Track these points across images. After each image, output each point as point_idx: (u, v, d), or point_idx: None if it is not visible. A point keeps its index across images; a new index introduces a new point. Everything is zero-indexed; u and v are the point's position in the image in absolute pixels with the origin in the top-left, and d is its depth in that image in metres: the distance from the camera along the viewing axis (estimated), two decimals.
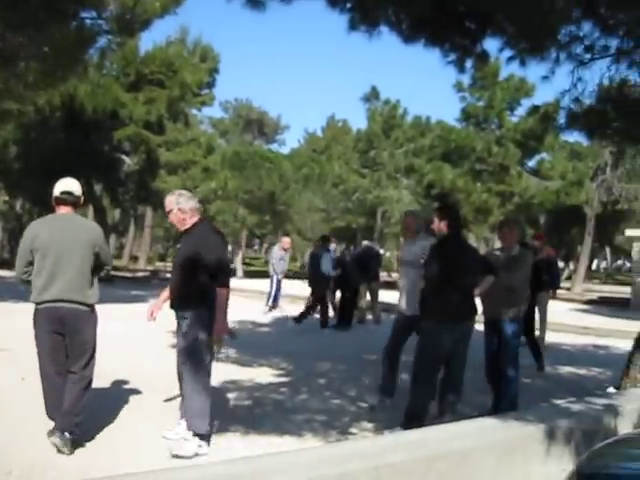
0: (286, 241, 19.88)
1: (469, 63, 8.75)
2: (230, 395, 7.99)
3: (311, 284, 15.74)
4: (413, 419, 6.36)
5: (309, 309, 15.72)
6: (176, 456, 5.51)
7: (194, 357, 5.82)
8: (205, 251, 5.83)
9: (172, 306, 6.08)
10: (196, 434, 5.72)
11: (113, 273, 28.63)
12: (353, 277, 16.05)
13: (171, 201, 6.08)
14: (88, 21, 15.00)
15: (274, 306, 19.00)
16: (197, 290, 5.80)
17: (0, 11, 12.20)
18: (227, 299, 5.83)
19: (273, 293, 19.05)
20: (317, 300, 15.66)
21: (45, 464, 5.18)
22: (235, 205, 38.56)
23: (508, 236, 7.97)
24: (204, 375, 5.87)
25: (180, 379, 6.01)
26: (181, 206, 6.02)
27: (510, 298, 7.52)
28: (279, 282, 19.05)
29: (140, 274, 33.54)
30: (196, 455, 5.59)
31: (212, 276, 5.79)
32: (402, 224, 7.47)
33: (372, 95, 39.14)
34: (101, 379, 7.86)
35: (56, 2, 13.14)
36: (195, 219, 6.07)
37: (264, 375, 9.43)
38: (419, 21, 7.93)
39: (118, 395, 7.59)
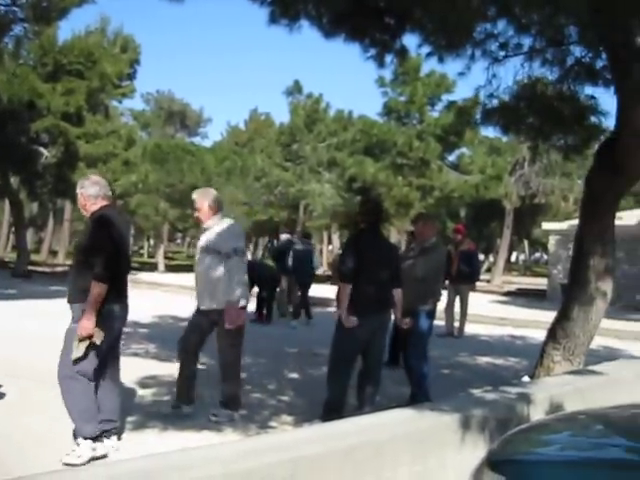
0: None
1: (389, 58, 8.84)
2: (149, 391, 7.94)
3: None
4: (332, 412, 6.43)
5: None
6: (67, 464, 5.19)
7: (69, 357, 5.40)
8: (89, 242, 5.55)
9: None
10: (85, 437, 5.42)
11: (31, 268, 28.07)
12: (268, 271, 16.28)
13: (78, 186, 5.89)
14: (2, 8, 14.63)
15: None
16: (80, 283, 5.44)
17: None
18: (98, 295, 5.31)
19: None
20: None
21: None
22: (156, 198, 38.08)
23: (422, 230, 8.13)
24: (81, 375, 5.41)
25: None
26: (82, 191, 5.77)
27: (421, 289, 7.61)
28: None
29: (59, 269, 32.81)
30: (92, 459, 5.36)
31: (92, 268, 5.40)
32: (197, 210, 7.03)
33: (295, 89, 39.22)
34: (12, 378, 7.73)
35: None
36: (96, 207, 5.72)
37: None
38: (339, 16, 7.97)
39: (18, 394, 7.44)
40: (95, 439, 5.47)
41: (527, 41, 8.74)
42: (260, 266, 16.77)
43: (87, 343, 5.30)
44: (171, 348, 10.33)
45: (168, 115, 65.88)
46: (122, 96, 37.96)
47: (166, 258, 44.45)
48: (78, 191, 5.82)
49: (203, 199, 6.98)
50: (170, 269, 38.64)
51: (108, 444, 5.62)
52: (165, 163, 38.26)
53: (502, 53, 8.97)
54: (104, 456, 5.47)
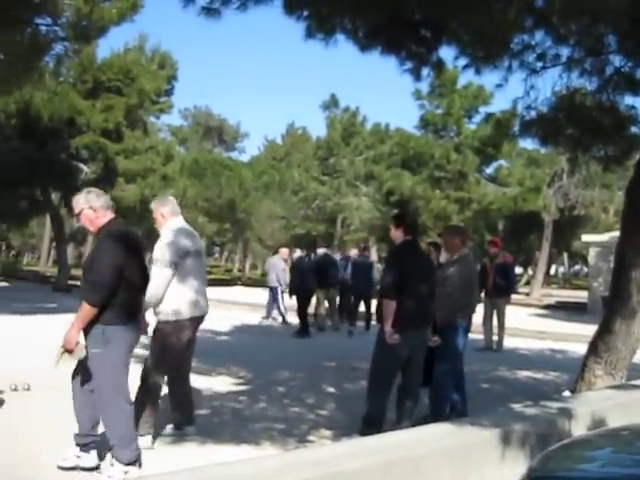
0: (284, 252, 19.61)
1: (425, 71, 8.80)
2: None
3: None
4: (371, 426, 6.37)
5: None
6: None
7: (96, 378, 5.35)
8: (93, 260, 5.39)
9: None
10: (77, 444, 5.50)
11: (71, 282, 28.33)
12: (309, 284, 16.26)
13: (79, 201, 5.56)
14: (43, 27, 14.86)
15: (272, 316, 18.89)
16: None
17: None
18: (85, 315, 5.15)
19: (280, 304, 18.55)
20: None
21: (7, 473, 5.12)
22: (194, 213, 38.34)
23: (450, 242, 8.01)
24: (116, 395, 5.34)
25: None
26: (92, 204, 5.48)
27: (451, 303, 7.42)
28: (282, 293, 18.48)
29: None
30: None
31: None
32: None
33: (331, 103, 39.28)
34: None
35: (10, 8, 13.00)
36: (106, 219, 5.51)
37: (223, 384, 9.41)
38: (375, 29, 7.97)
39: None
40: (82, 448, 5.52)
41: (565, 51, 8.67)
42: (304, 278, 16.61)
43: (66, 357, 5.23)
44: (209, 362, 10.41)
45: (206, 130, 66.45)
46: (160, 112, 38.36)
47: None
48: (84, 206, 5.49)
49: (156, 208, 6.61)
50: (208, 283, 38.70)
51: (86, 461, 5.52)
52: (203, 178, 38.55)
53: (540, 64, 8.90)
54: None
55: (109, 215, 5.53)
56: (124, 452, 5.27)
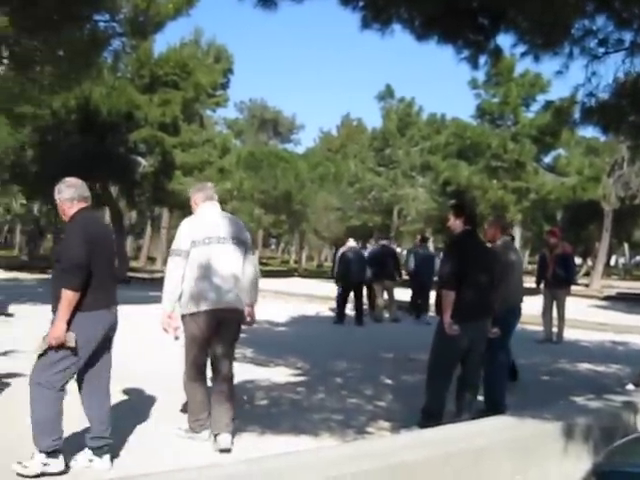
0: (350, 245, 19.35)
1: (483, 59, 8.70)
2: (247, 394, 7.99)
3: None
4: (430, 418, 6.33)
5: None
6: (18, 474, 4.97)
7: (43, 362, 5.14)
8: (61, 247, 5.33)
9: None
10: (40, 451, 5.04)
11: (131, 274, 28.81)
12: (354, 275, 16.20)
13: (54, 192, 5.47)
14: (102, 24, 15.07)
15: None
16: (55, 290, 5.13)
17: (15, 15, 12.27)
18: (68, 303, 4.98)
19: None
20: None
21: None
22: (251, 205, 38.60)
23: (489, 231, 7.97)
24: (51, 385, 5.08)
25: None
26: (59, 196, 5.39)
27: (495, 292, 7.25)
28: None
29: (157, 275, 33.60)
30: (42, 474, 5.00)
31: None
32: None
33: (387, 93, 39.13)
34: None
35: (70, 6, 13.20)
36: (74, 210, 5.35)
37: (281, 374, 9.44)
38: (431, 18, 7.90)
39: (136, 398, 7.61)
40: (50, 454, 5.02)
41: (628, 36, 8.47)
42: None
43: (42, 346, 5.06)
44: (267, 353, 10.47)
45: (261, 123, 66.87)
46: (216, 105, 38.74)
47: (260, 264, 44.82)
48: (56, 197, 5.44)
49: (191, 196, 6.49)
50: (265, 275, 38.97)
51: (98, 465, 5.26)
52: (259, 170, 38.76)
53: (602, 50, 8.71)
54: (62, 472, 5.09)
55: (80, 205, 5.37)
56: (44, 440, 5.02)
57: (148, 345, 10.41)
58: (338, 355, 11.15)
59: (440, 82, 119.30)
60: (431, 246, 41.26)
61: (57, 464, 5.05)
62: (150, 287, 24.18)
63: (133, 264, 37.51)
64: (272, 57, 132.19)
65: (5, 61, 15.02)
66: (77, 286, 5.00)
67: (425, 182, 38.07)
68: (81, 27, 14.42)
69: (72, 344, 5.02)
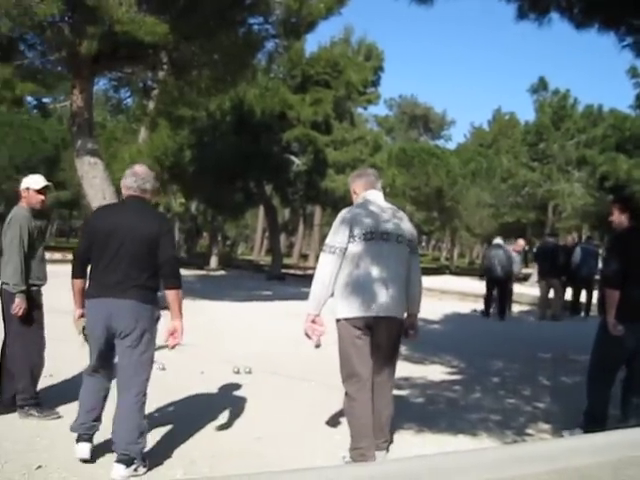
0: (521, 243, 19.57)
1: None
2: (403, 392, 7.95)
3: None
4: (593, 422, 6.08)
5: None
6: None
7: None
8: None
9: None
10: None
11: (284, 271, 29.43)
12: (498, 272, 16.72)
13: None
14: (255, 27, 15.48)
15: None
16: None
17: (174, 23, 12.78)
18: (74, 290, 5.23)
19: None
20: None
21: (227, 453, 5.36)
22: (403, 202, 38.50)
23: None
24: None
25: None
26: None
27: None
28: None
29: (310, 272, 34.18)
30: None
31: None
32: None
33: (540, 86, 37.98)
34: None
35: (225, 11, 13.64)
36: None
37: (436, 372, 9.36)
38: (592, 5, 7.60)
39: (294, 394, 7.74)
40: (79, 438, 5.11)
41: None
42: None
43: (81, 335, 5.23)
44: (421, 350, 10.39)
45: (411, 119, 66.69)
46: (367, 103, 38.85)
47: None
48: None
49: (350, 185, 5.77)
50: None
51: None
52: (410, 167, 38.61)
53: None
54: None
55: (127, 193, 5.25)
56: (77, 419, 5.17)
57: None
58: (494, 354, 10.95)
59: (596, 73, 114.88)
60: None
61: (80, 449, 5.09)
62: (303, 283, 24.65)
63: (286, 261, 38.26)
64: (422, 53, 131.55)
65: (165, 67, 15.68)
66: (73, 272, 5.19)
67: (581, 177, 36.70)
68: (236, 31, 14.87)
69: (78, 330, 5.23)
